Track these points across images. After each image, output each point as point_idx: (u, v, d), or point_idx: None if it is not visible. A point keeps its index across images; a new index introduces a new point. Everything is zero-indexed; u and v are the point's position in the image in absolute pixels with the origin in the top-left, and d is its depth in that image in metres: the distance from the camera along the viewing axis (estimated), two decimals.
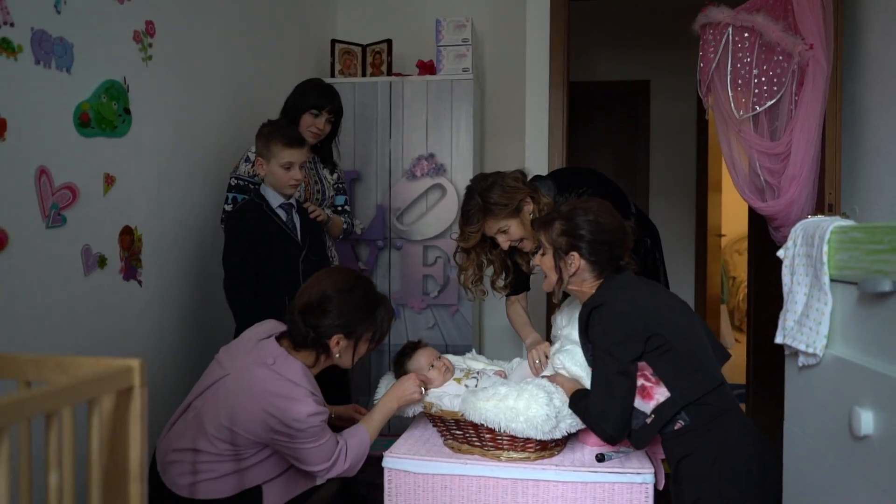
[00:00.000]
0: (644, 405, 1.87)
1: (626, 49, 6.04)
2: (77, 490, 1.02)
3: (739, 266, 7.90)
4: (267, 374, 2.00)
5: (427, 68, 3.92)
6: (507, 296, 2.77)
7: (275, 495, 2.10)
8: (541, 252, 2.15)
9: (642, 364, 1.88)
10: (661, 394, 1.85)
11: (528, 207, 2.42)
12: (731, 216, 7.04)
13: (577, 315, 2.23)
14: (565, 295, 2.30)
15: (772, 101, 2.55)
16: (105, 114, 2.31)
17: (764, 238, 3.94)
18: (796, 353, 1.55)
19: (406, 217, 3.87)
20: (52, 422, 0.93)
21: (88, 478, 1.03)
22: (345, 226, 3.25)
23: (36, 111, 2.04)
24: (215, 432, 1.98)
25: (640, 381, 1.88)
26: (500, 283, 2.63)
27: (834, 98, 2.59)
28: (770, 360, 3.72)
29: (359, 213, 3.81)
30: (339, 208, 3.30)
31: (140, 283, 2.54)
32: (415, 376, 2.27)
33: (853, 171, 2.67)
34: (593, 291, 2.06)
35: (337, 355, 2.11)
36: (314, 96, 3.03)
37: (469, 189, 2.47)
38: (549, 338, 2.60)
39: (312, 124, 3.03)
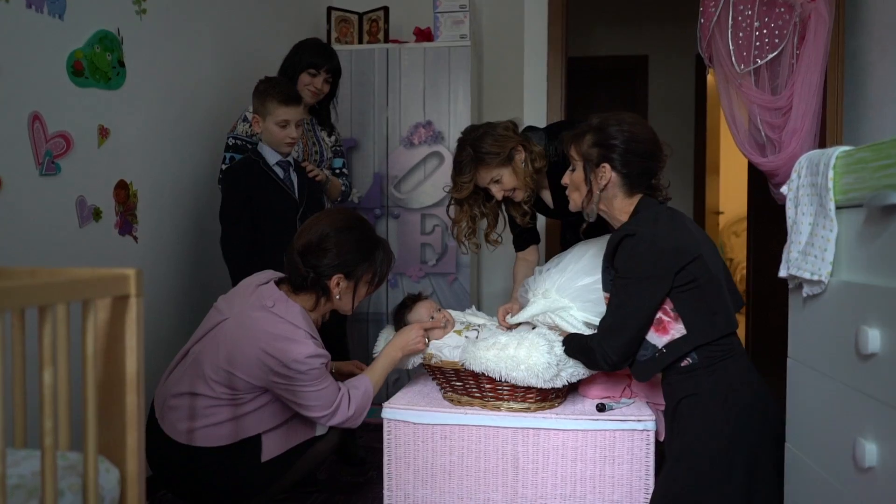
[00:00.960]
0: (657, 338, 1.83)
1: (624, 24, 6.00)
2: (73, 398, 1.00)
3: (737, 248, 7.89)
4: (266, 317, 1.98)
5: (424, 35, 3.88)
6: (516, 252, 2.76)
7: (273, 445, 2.08)
8: (570, 168, 2.06)
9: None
10: (677, 330, 1.80)
11: (520, 156, 2.40)
12: (729, 197, 7.02)
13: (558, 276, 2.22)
14: (591, 229, 2.26)
15: (773, 55, 2.53)
16: (99, 64, 2.28)
17: (763, 218, 3.93)
18: (800, 284, 1.53)
19: (403, 185, 3.84)
20: (46, 316, 0.91)
21: (84, 382, 1.01)
22: (343, 188, 3.23)
23: (28, 56, 2.01)
24: (214, 375, 1.96)
25: (657, 315, 1.83)
26: (494, 235, 2.61)
27: (836, 51, 2.57)
28: (770, 341, 3.71)
29: (356, 182, 3.78)
30: (338, 171, 3.28)
31: (135, 238, 2.52)
32: (418, 326, 2.25)
33: (855, 126, 2.65)
34: (623, 218, 1.97)
35: (337, 297, 2.09)
36: (312, 55, 3.00)
37: (460, 140, 2.45)
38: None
39: (310, 83, 3.00)
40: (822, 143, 2.61)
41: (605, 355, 1.87)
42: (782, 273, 1.59)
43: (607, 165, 1.92)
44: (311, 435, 2.17)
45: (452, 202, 2.52)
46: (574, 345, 2.01)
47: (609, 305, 1.92)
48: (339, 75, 3.15)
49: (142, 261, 2.54)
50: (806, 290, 1.50)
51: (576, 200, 2.06)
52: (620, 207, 1.97)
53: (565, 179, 2.08)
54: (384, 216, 3.85)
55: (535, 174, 2.41)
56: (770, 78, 2.61)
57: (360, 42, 3.97)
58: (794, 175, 1.58)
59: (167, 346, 2.59)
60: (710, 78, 5.98)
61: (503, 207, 2.59)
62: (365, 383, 2.14)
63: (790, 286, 1.61)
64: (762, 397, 1.79)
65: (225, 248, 2.59)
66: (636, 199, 1.97)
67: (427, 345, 2.23)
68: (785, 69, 2.55)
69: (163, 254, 2.70)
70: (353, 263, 2.08)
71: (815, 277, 1.44)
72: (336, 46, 3.82)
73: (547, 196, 2.58)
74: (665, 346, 1.81)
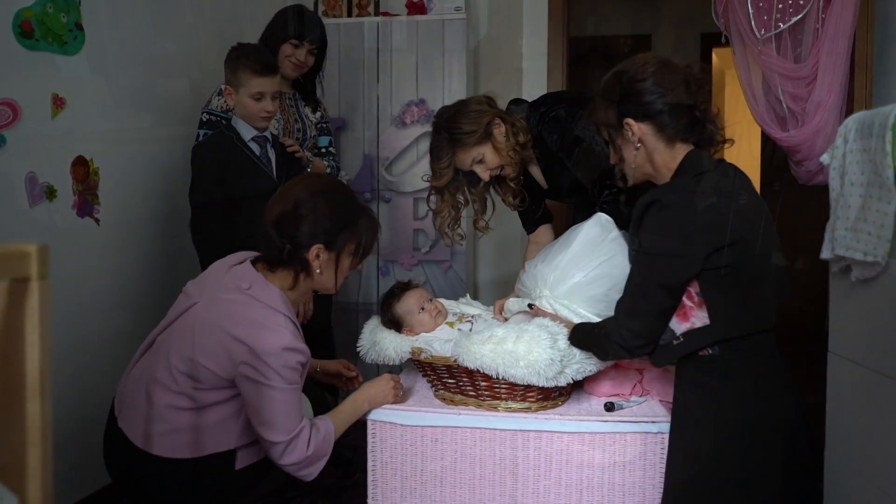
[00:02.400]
0: (675, 324, 1.58)
1: (626, 3, 5.77)
2: None
3: None
4: (241, 299, 1.75)
5: (417, 8, 3.66)
6: (527, 234, 2.58)
7: (250, 452, 1.85)
8: (612, 151, 1.78)
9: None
10: (698, 318, 1.55)
11: (500, 130, 2.20)
12: None
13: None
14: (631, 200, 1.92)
15: (796, 18, 2.31)
16: (52, 26, 2.06)
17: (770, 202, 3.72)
18: (847, 267, 1.32)
19: (395, 167, 3.62)
20: None
21: None
22: (328, 170, 3.00)
23: None
24: (178, 364, 1.72)
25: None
26: (482, 222, 2.41)
27: (865, 15, 2.35)
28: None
29: (344, 164, 3.55)
30: (323, 150, 3.05)
31: (97, 221, 2.29)
32: (389, 377, 1.98)
33: (884, 98, 2.43)
34: (667, 175, 1.64)
35: (318, 271, 1.83)
36: (295, 24, 2.78)
37: (434, 125, 2.27)
38: None
39: (292, 55, 2.78)
40: (849, 114, 2.40)
41: (623, 339, 1.61)
42: (825, 254, 1.37)
43: (629, 120, 1.63)
44: None
45: (432, 192, 2.32)
46: (582, 334, 1.78)
47: (629, 282, 1.66)
48: (324, 47, 2.93)
49: (104, 246, 2.33)
50: (855, 274, 1.28)
51: (629, 175, 1.76)
52: (663, 163, 1.64)
53: (613, 160, 1.79)
54: (374, 200, 3.63)
55: (518, 148, 2.21)
56: (793, 45, 2.39)
57: (349, 15, 3.75)
58: (838, 140, 1.36)
59: (132, 340, 2.37)
60: (715, 59, 5.77)
61: (491, 191, 2.40)
62: (327, 426, 1.84)
63: (833, 269, 1.40)
64: (783, 419, 1.53)
65: (194, 232, 2.37)
66: (681, 150, 1.64)
67: (399, 398, 1.99)
68: (809, 35, 2.34)
69: (129, 238, 2.48)
70: (334, 231, 1.82)
71: (869, 258, 1.22)
72: (323, 19, 3.59)
73: (538, 174, 2.38)
74: (683, 335, 1.56)
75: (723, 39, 2.55)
